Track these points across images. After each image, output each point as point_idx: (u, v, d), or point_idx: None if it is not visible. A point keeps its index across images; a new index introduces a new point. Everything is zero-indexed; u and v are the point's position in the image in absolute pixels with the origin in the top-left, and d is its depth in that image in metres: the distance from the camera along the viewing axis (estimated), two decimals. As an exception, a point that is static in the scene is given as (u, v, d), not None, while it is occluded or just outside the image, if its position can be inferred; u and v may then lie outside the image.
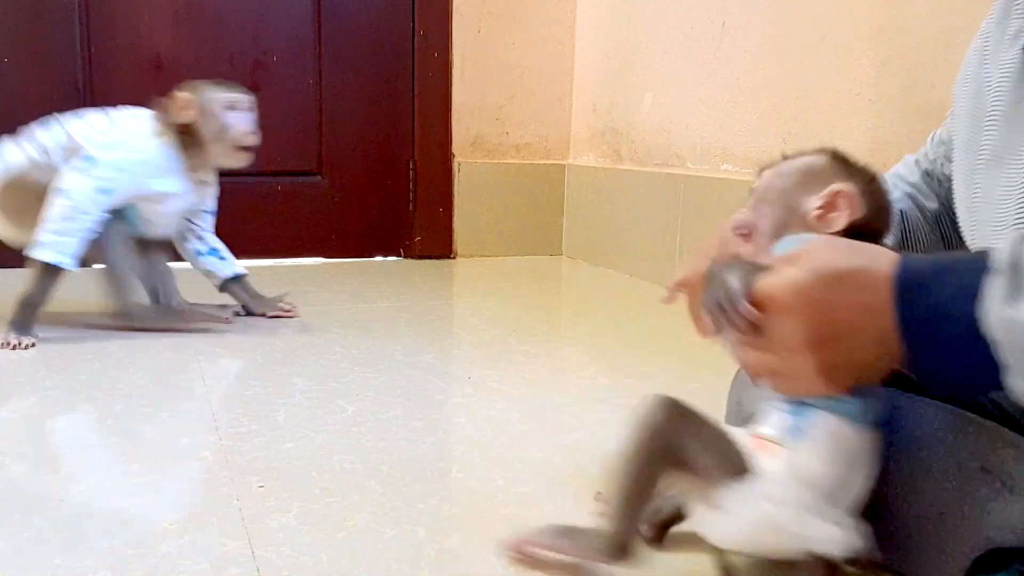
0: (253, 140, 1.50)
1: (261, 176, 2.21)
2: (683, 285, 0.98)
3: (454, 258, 2.37)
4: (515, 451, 0.98)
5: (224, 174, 1.60)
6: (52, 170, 1.45)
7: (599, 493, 0.73)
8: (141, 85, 2.10)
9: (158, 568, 0.70)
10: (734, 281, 0.59)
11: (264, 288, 1.68)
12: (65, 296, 1.75)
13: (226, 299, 1.66)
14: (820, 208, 0.66)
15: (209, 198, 1.62)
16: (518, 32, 2.37)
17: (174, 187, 1.49)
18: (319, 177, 2.30)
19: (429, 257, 2.37)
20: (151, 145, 1.47)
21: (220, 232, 1.67)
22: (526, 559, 0.70)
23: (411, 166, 2.36)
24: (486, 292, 1.99)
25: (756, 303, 0.59)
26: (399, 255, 2.38)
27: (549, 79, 2.42)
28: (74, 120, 1.49)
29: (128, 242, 1.49)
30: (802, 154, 0.71)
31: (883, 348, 0.56)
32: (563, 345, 1.54)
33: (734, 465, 0.61)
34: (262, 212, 2.24)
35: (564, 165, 2.44)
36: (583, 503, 0.86)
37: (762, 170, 0.72)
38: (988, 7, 0.74)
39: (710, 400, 1.20)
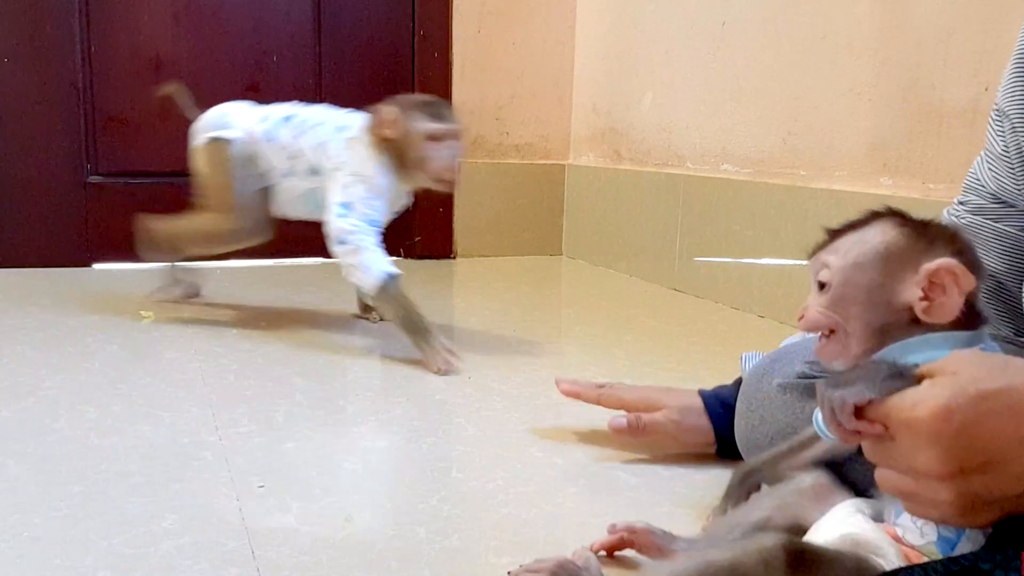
0: (451, 176, 1.44)
1: (261, 176, 2.21)
2: (572, 394, 1.01)
3: (454, 258, 2.37)
4: (515, 451, 0.98)
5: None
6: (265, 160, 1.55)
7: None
8: (141, 85, 2.10)
9: (158, 568, 0.70)
10: (851, 394, 0.52)
11: (262, 289, 1.68)
12: (66, 296, 1.75)
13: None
14: (923, 298, 0.56)
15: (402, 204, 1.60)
16: (518, 32, 2.37)
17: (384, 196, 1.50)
18: (319, 177, 2.30)
19: (429, 257, 2.37)
20: (372, 168, 1.46)
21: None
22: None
23: (411, 166, 2.35)
24: (486, 292, 1.99)
25: (883, 419, 0.52)
26: (399, 255, 2.38)
27: (549, 79, 2.42)
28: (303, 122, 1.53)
29: None
30: (855, 226, 0.61)
31: None
32: (563, 345, 1.54)
33: None
34: (262, 212, 2.23)
35: (564, 165, 2.44)
36: (583, 504, 0.86)
37: (815, 254, 0.62)
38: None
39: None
